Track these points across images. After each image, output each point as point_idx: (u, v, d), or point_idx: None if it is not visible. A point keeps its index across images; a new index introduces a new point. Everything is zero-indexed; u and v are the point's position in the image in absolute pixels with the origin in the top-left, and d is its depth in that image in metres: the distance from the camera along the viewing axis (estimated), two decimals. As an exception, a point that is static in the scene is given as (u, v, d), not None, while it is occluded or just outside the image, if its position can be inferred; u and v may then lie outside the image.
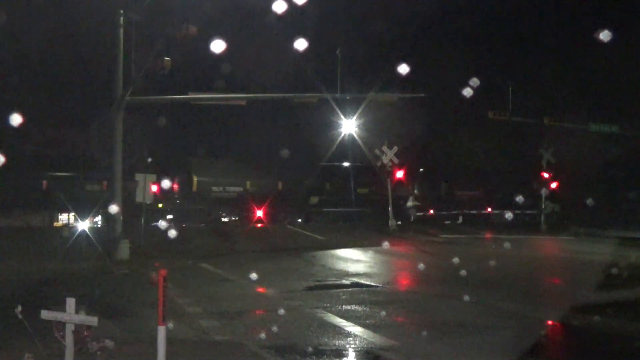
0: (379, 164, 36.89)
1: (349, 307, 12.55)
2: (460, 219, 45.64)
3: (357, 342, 9.54)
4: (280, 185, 59.43)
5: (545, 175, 38.28)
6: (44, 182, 41.26)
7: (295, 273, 18.42)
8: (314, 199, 49.35)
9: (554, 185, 37.97)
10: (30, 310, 6.98)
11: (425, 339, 9.74)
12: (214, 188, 49.25)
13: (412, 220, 38.11)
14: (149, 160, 34.17)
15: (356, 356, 8.85)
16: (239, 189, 50.41)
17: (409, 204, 40.49)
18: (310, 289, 15.33)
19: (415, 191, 58.35)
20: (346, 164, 46.66)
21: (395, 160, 36.23)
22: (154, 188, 26.40)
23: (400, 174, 37.13)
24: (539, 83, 47.15)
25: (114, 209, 21.77)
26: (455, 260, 18.29)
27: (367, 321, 11.07)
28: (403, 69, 21.68)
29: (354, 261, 21.82)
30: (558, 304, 12.72)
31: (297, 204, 48.61)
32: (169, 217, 43.71)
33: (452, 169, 55.63)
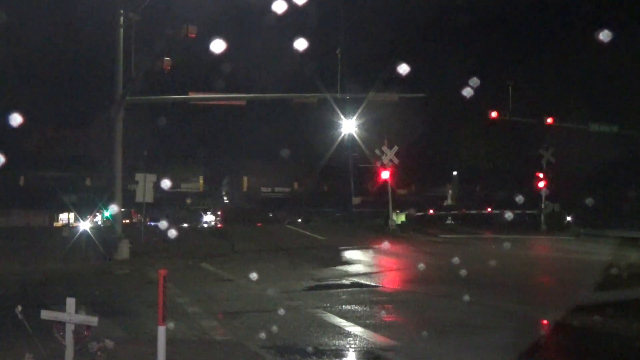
0: (378, 163, 36.83)
1: (349, 307, 12.55)
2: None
3: (357, 342, 9.53)
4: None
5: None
6: None
7: (295, 273, 18.42)
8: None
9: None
10: (30, 310, 6.97)
11: (425, 339, 9.73)
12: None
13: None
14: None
15: (356, 356, 8.84)
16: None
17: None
18: (310, 289, 15.32)
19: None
20: None
21: (395, 160, 36.17)
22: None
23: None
24: (539, 83, 47.11)
25: (114, 208, 21.78)
26: (455, 260, 18.28)
27: (367, 321, 11.06)
28: (403, 68, 21.76)
29: (354, 261, 21.82)
30: (558, 304, 12.71)
31: None
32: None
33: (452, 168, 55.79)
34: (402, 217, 49.56)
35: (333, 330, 10.21)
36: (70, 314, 6.45)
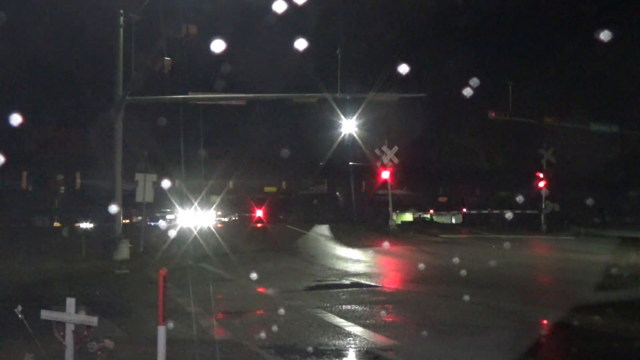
0: (378, 163, 36.86)
1: (349, 307, 12.55)
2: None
3: (357, 342, 9.53)
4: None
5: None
6: None
7: (295, 273, 18.42)
8: None
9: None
10: (30, 310, 6.97)
11: (425, 339, 9.74)
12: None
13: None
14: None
15: (356, 356, 8.84)
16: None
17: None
18: (310, 289, 15.32)
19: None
20: None
21: (395, 160, 36.19)
22: None
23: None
24: (539, 83, 47.13)
25: (114, 209, 21.77)
26: (455, 260, 18.29)
27: (367, 321, 11.06)
28: (403, 68, 21.77)
29: (354, 261, 21.82)
30: (558, 304, 12.72)
31: None
32: (170, 217, 43.75)
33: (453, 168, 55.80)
34: (402, 217, 49.73)
35: (333, 330, 10.21)
36: (70, 314, 6.45)
